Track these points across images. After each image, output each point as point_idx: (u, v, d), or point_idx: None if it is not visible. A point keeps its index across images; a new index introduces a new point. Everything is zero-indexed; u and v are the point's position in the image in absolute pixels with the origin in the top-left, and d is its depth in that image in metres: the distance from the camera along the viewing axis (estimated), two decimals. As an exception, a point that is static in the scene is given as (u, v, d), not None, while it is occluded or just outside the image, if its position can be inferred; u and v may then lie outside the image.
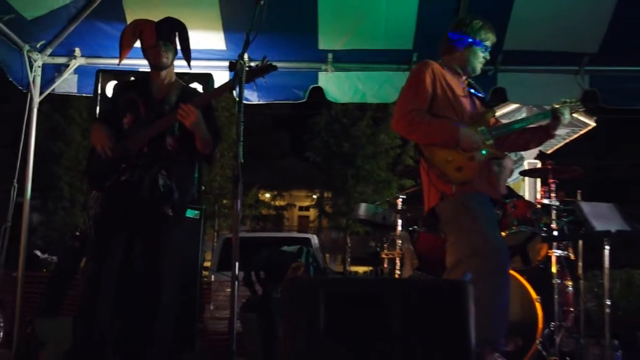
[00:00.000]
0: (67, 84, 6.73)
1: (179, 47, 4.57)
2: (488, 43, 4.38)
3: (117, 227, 4.41)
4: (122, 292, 4.44)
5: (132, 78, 5.86)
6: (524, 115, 12.56)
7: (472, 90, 4.45)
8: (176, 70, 4.68)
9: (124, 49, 4.61)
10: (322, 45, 6.61)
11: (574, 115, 5.20)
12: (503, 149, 4.41)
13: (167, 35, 4.48)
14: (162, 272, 4.41)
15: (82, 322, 4.40)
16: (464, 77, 4.45)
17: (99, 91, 6.33)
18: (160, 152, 4.38)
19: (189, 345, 5.93)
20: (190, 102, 4.33)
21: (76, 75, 6.72)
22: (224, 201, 23.89)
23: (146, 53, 4.54)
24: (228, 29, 6.42)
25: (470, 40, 4.35)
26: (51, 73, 6.67)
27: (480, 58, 4.39)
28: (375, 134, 25.09)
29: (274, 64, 4.03)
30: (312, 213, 36.17)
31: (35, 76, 6.56)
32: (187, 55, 4.63)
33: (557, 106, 4.40)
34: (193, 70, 5.61)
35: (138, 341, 4.40)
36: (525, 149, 5.23)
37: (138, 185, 4.31)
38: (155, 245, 4.43)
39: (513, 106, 11.54)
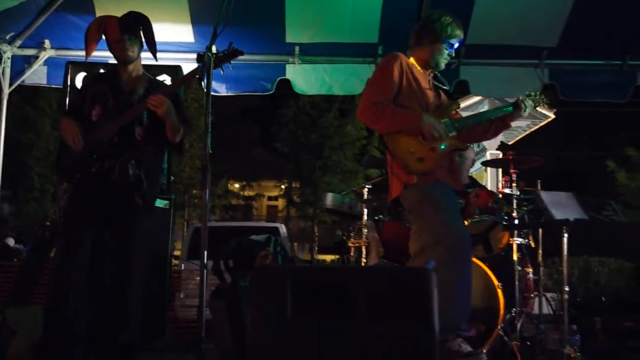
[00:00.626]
0: (36, 75, 6.66)
1: (143, 40, 4.54)
2: (454, 41, 4.36)
3: (87, 217, 4.38)
4: (93, 282, 4.42)
5: (102, 71, 5.81)
6: (486, 107, 12.67)
7: (437, 83, 4.45)
8: (144, 62, 4.65)
9: (89, 45, 4.57)
10: (290, 38, 6.60)
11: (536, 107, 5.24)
12: (462, 140, 4.43)
13: (131, 29, 4.45)
14: (132, 261, 4.40)
15: (52, 311, 4.38)
16: (429, 70, 4.46)
17: (69, 83, 6.25)
18: (129, 142, 4.36)
19: (160, 332, 5.90)
20: (160, 91, 4.33)
21: (46, 67, 6.65)
22: (194, 191, 23.83)
23: (112, 48, 4.50)
24: (196, 22, 6.39)
25: (437, 36, 4.35)
26: (21, 65, 6.59)
27: (444, 55, 4.39)
28: (342, 125, 25.15)
29: (240, 49, 4.00)
30: (280, 203, 36.21)
31: (5, 67, 6.49)
32: (153, 48, 4.59)
33: (521, 98, 4.43)
34: (162, 63, 5.60)
35: (109, 328, 4.38)
36: (482, 140, 5.28)
37: (108, 175, 4.29)
38: (125, 234, 4.42)
39: (475, 98, 11.63)
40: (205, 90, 3.59)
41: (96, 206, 4.36)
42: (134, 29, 4.47)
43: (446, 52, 4.37)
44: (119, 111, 4.37)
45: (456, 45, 4.40)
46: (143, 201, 4.39)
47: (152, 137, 4.45)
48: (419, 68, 4.37)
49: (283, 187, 33.19)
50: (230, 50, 3.95)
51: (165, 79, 6.07)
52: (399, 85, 4.21)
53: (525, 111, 4.44)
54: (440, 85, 4.47)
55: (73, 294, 4.29)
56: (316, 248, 27.39)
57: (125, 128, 4.34)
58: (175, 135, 4.38)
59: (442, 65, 4.47)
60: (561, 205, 4.82)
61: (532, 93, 4.59)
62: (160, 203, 5.93)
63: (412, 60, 4.38)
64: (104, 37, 4.51)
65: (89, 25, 4.59)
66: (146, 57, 4.64)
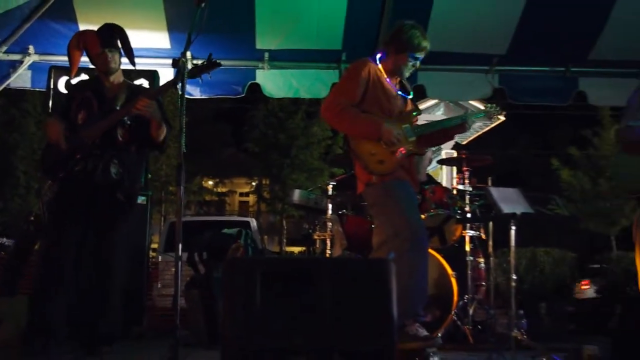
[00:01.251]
0: (21, 79, 6.57)
1: (121, 49, 4.55)
2: (419, 54, 4.34)
3: (71, 213, 4.37)
4: (75, 274, 4.41)
5: (86, 77, 5.83)
6: (441, 109, 12.77)
7: (400, 93, 4.44)
8: (123, 67, 4.63)
9: (73, 61, 4.58)
10: (260, 45, 6.58)
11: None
12: (421, 144, 4.44)
13: (109, 41, 4.45)
14: (113, 255, 4.41)
15: (37, 300, 4.35)
16: (395, 78, 4.46)
17: (52, 86, 6.20)
18: (112, 143, 4.36)
19: (138, 320, 5.89)
20: (144, 94, 4.34)
21: (30, 71, 6.57)
22: (170, 188, 23.62)
23: (94, 61, 4.52)
24: (172, 29, 6.34)
25: (405, 48, 4.33)
26: (6, 69, 6.50)
27: (409, 66, 4.37)
28: (308, 126, 25.12)
29: (218, 61, 3.98)
30: (251, 198, 36.10)
31: (-9, 72, 6.40)
32: (130, 55, 4.60)
33: (470, 118, 4.45)
34: (140, 67, 5.60)
35: (91, 317, 4.37)
36: (438, 144, 5.31)
37: (91, 174, 4.28)
38: (107, 229, 4.42)
39: (432, 102, 11.69)
40: (180, 93, 3.56)
41: (80, 203, 4.36)
42: (113, 41, 4.47)
43: (410, 63, 4.36)
44: (103, 115, 4.37)
45: (421, 57, 4.39)
46: (125, 198, 4.40)
47: (134, 139, 4.46)
48: (385, 75, 4.36)
49: (254, 184, 33.11)
50: (210, 61, 3.94)
51: (143, 82, 6.05)
52: (365, 91, 4.21)
53: (467, 128, 4.49)
54: (403, 94, 4.46)
55: (57, 285, 4.28)
56: (285, 240, 27.37)
57: (108, 130, 4.34)
58: (159, 133, 4.40)
59: (406, 75, 4.46)
60: (509, 200, 4.86)
61: (488, 106, 4.64)
62: (138, 199, 5.91)
63: (380, 67, 4.37)
64: (85, 51, 4.51)
65: (69, 42, 4.57)
66: (125, 62, 4.63)
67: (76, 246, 4.37)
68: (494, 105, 4.59)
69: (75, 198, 4.35)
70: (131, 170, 4.46)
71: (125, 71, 4.69)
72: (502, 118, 13.38)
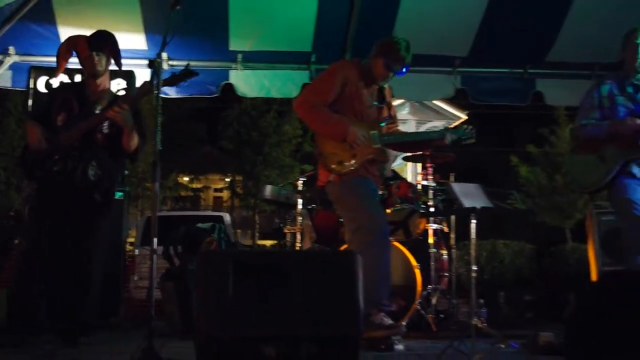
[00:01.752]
0: (2, 79, 6.46)
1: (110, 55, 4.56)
2: (397, 67, 4.34)
3: (50, 210, 4.36)
4: (54, 268, 4.38)
5: (69, 80, 5.81)
6: (407, 109, 12.82)
7: (376, 102, 4.45)
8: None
9: (60, 62, 4.60)
10: (233, 46, 6.56)
11: (449, 109, 5.28)
12: (391, 148, 4.49)
13: (98, 46, 4.45)
14: (91, 250, 4.40)
15: (17, 293, 4.36)
16: (374, 85, 4.45)
17: (32, 85, 6.18)
18: (90, 145, 4.35)
19: (115, 311, 5.88)
20: (122, 99, 4.36)
21: (10, 71, 6.47)
22: (147, 184, 23.41)
23: (82, 64, 4.53)
24: (149, 31, 6.29)
25: (383, 59, 4.32)
26: (-14, 69, 6.42)
27: (387, 80, 4.40)
28: (280, 125, 25.07)
29: (194, 70, 3.95)
30: (225, 194, 35.95)
31: (-28, 73, 6.31)
32: (118, 61, 4.63)
33: (450, 135, 4.44)
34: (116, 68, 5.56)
35: (69, 308, 4.36)
36: (406, 152, 5.35)
37: (70, 175, 4.27)
38: (85, 226, 4.41)
39: (398, 101, 11.71)
40: (156, 92, 3.54)
41: (59, 202, 4.34)
42: (102, 46, 4.47)
43: (391, 74, 4.36)
44: (83, 118, 4.36)
45: (403, 69, 4.38)
46: (102, 198, 4.40)
47: (112, 143, 4.44)
48: (363, 81, 4.36)
49: (227, 180, 32.96)
50: (187, 70, 3.92)
51: (120, 82, 6.04)
52: (340, 92, 4.22)
53: (447, 143, 4.45)
54: (377, 103, 4.46)
55: (36, 278, 4.27)
56: (257, 234, 27.30)
57: (87, 133, 4.33)
58: (130, 144, 4.38)
59: (382, 84, 4.47)
60: (470, 195, 4.89)
61: (465, 126, 4.62)
62: (115, 195, 5.90)
63: (359, 71, 4.36)
64: (75, 53, 4.53)
65: (60, 45, 4.64)
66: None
67: (55, 241, 4.36)
68: (472, 128, 4.57)
69: (54, 197, 4.33)
70: (109, 171, 4.46)
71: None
72: (464, 117, 13.54)
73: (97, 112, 4.38)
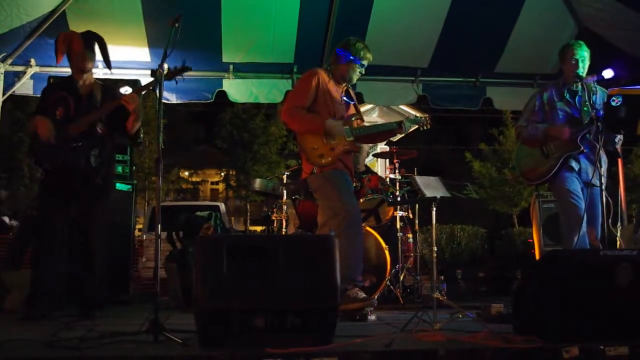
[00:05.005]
0: (24, 87, 6.42)
1: (99, 55, 4.50)
2: (365, 62, 4.36)
3: (58, 195, 4.31)
4: (65, 248, 4.37)
5: (55, 81, 5.60)
6: (376, 112, 12.83)
7: (345, 99, 4.44)
8: (109, 77, 4.57)
9: (58, 54, 4.41)
10: (225, 59, 6.56)
11: (413, 112, 5.31)
12: (360, 141, 4.48)
13: (89, 44, 4.42)
14: (95, 229, 4.36)
15: (36, 271, 4.31)
16: (343, 84, 4.45)
17: (51, 92, 6.09)
18: (92, 136, 4.31)
19: (125, 288, 5.90)
20: (132, 92, 4.34)
21: (32, 80, 6.42)
22: (152, 178, 23.29)
23: (73, 58, 4.41)
24: (152, 45, 6.27)
25: (351, 57, 4.31)
26: (11, 79, 6.34)
27: (357, 72, 4.38)
28: (267, 126, 24.98)
29: (188, 65, 3.93)
30: (220, 187, 35.74)
31: (-1, 82, 6.27)
32: (107, 60, 4.54)
33: (406, 123, 4.46)
34: (125, 77, 5.69)
35: (80, 283, 4.35)
36: (373, 142, 5.34)
37: (75, 163, 4.24)
38: (89, 208, 4.37)
39: (368, 106, 11.74)
40: (158, 98, 3.51)
41: (66, 187, 4.29)
42: (92, 44, 4.43)
43: (358, 70, 4.37)
44: (85, 111, 4.31)
45: (365, 65, 4.39)
46: (102, 181, 4.37)
47: (111, 132, 4.43)
48: (333, 83, 4.36)
49: (222, 174, 32.79)
50: (182, 66, 3.88)
51: (128, 90, 5.95)
52: (315, 95, 4.21)
53: (405, 131, 4.51)
54: (347, 100, 4.46)
55: (49, 256, 4.25)
56: (248, 221, 27.24)
57: (90, 124, 4.30)
58: (133, 126, 4.33)
59: (354, 80, 4.47)
60: (431, 187, 4.92)
61: (419, 115, 4.68)
62: (125, 187, 5.99)
63: (329, 75, 4.36)
64: (68, 47, 4.41)
65: (57, 38, 4.44)
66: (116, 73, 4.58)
67: (63, 223, 4.33)
68: (427, 116, 4.61)
69: (61, 183, 4.27)
70: (108, 157, 4.44)
71: (112, 80, 4.63)
72: (429, 126, 13.58)
73: (97, 104, 4.34)
